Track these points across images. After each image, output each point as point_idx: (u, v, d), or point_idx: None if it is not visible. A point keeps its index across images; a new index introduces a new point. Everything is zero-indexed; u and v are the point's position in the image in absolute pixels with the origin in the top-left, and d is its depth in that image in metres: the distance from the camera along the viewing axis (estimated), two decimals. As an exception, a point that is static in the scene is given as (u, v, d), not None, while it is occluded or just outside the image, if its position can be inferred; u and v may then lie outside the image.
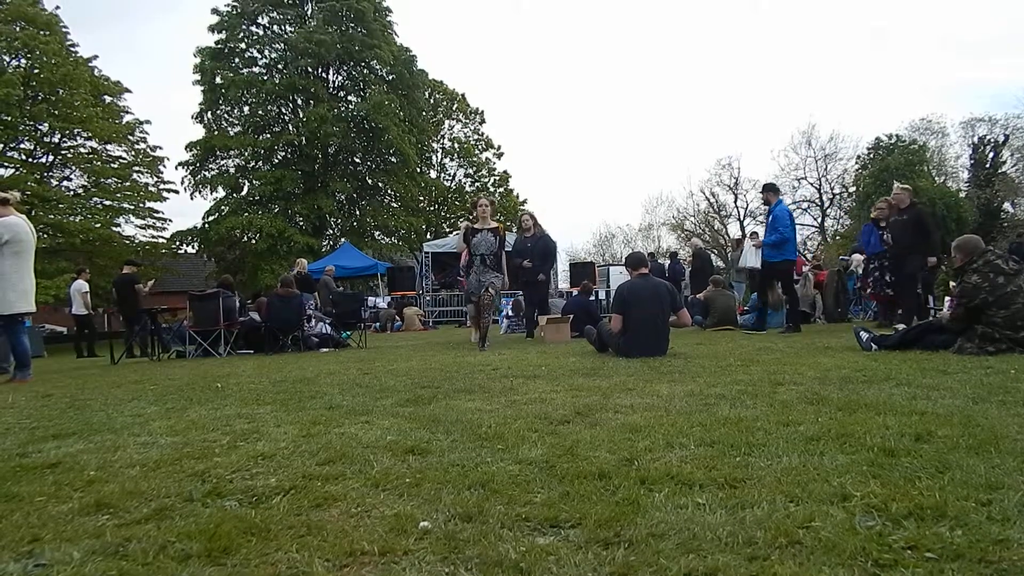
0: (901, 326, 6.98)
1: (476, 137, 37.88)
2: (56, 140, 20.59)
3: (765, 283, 8.42)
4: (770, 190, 8.29)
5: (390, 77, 27.72)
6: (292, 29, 26.41)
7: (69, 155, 20.95)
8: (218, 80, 25.83)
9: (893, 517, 1.29)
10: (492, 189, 37.47)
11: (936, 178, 30.94)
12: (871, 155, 31.73)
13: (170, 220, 23.16)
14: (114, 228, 21.23)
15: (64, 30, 20.27)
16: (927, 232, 7.47)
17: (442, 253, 20.33)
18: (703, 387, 3.17)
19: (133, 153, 22.10)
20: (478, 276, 7.13)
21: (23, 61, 19.32)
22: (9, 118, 18.59)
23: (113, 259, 18.88)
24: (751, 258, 8.65)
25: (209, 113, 26.71)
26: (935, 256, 7.54)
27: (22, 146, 20.39)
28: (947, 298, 4.76)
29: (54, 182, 20.83)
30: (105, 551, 1.32)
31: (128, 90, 21.89)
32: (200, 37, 54.09)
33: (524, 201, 39.88)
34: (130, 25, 63.20)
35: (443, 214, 35.65)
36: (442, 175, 37.15)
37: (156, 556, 1.28)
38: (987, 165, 30.42)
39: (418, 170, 30.03)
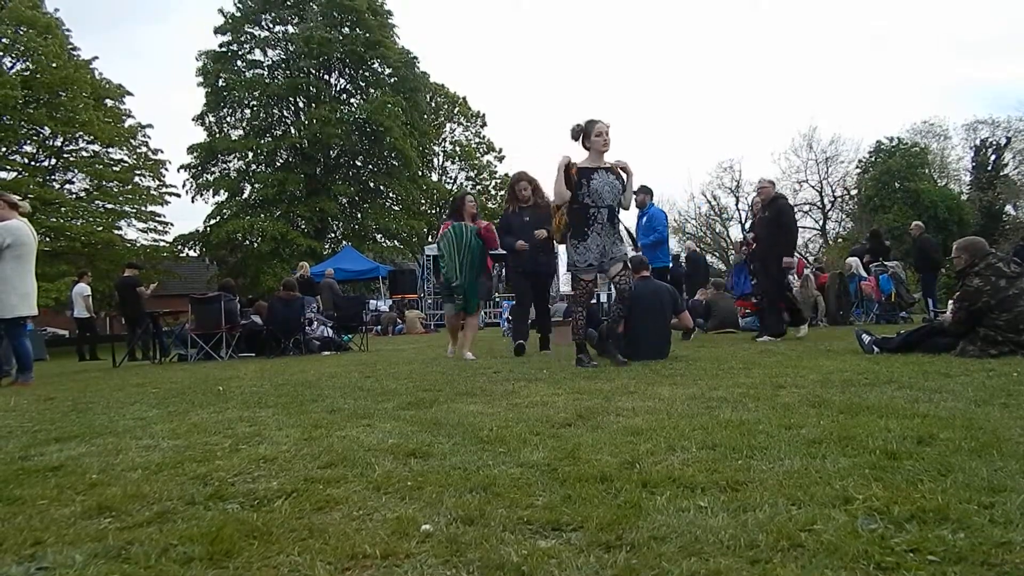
0: (804, 329, 6.91)
1: (477, 140, 37.95)
2: (58, 144, 20.63)
3: None
4: (644, 191, 8.05)
5: (392, 80, 27.75)
6: (294, 31, 26.45)
7: (71, 158, 20.99)
8: (220, 82, 25.90)
9: (895, 520, 1.29)
10: (493, 192, 37.51)
11: (938, 181, 30.92)
12: (872, 158, 31.72)
13: (171, 224, 23.20)
14: (116, 231, 21.25)
15: (66, 33, 20.35)
16: (787, 228, 6.96)
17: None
18: (705, 390, 3.17)
19: (135, 156, 22.14)
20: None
21: (24, 64, 19.38)
22: (10, 121, 18.65)
23: (115, 262, 18.90)
24: None
25: (211, 115, 26.77)
26: (790, 256, 7.02)
27: (24, 149, 20.44)
28: (950, 302, 4.71)
29: (56, 185, 20.86)
30: (107, 554, 1.32)
31: (129, 93, 21.94)
32: (200, 39, 54.34)
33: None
34: (130, 27, 63.43)
35: (444, 217, 35.66)
36: (443, 178, 37.19)
37: (158, 559, 1.28)
38: (989, 168, 30.41)
39: (420, 173, 30.05)
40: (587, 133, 4.73)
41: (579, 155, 4.80)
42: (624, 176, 4.81)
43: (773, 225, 6.94)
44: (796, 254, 15.82)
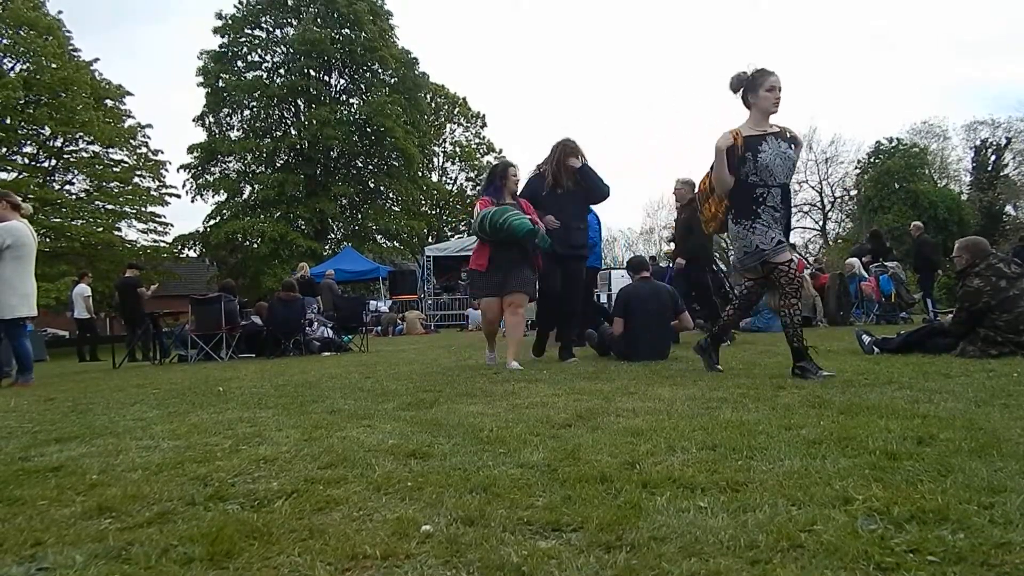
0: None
1: (477, 141, 38.00)
2: (58, 144, 20.65)
3: (589, 288, 7.75)
4: None
5: (392, 80, 27.77)
6: (294, 32, 26.46)
7: (71, 159, 21.01)
8: (221, 83, 25.92)
9: (895, 520, 1.29)
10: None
11: (938, 181, 30.93)
12: (871, 159, 31.73)
13: (171, 224, 23.22)
14: (116, 232, 21.27)
15: (67, 34, 20.37)
16: (698, 233, 6.31)
17: (444, 257, 20.37)
18: (705, 391, 3.17)
19: (135, 157, 22.16)
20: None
21: (24, 65, 19.40)
22: (11, 122, 18.67)
23: (115, 263, 18.91)
24: None
25: (211, 116, 26.79)
26: (684, 259, 6.76)
27: (25, 150, 20.46)
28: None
29: (56, 186, 20.89)
30: (107, 554, 1.32)
31: (130, 93, 21.97)
32: (201, 39, 54.37)
33: (525, 205, 39.93)
34: (130, 27, 63.47)
35: (445, 217, 35.71)
36: (443, 179, 37.22)
37: (158, 559, 1.28)
38: (989, 168, 30.41)
39: (420, 173, 30.07)
40: (753, 85, 3.63)
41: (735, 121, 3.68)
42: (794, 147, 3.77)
43: (685, 229, 6.66)
44: (796, 255, 15.86)
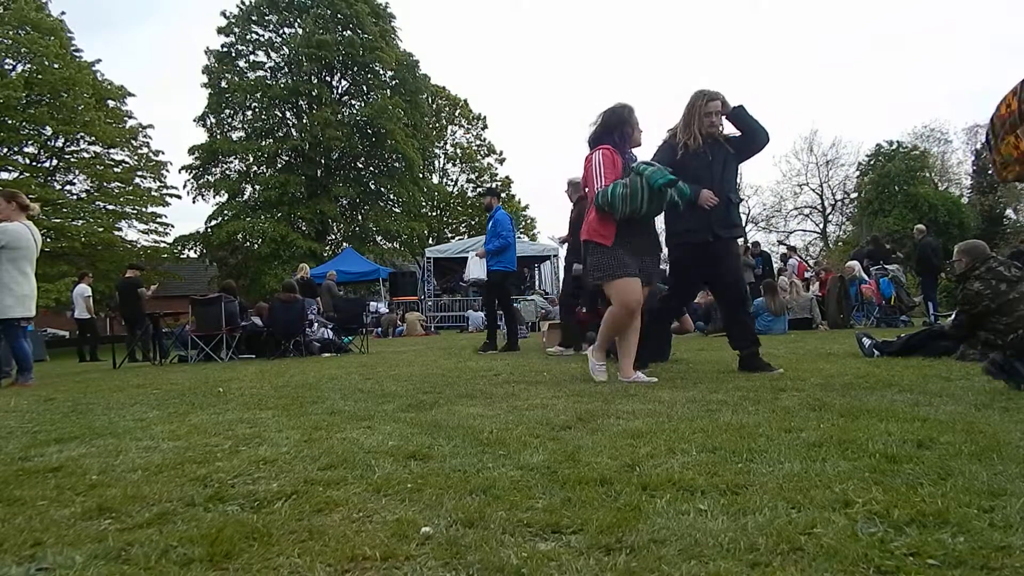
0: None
1: (478, 143, 38.03)
2: (60, 144, 20.70)
3: (491, 295, 7.71)
4: (491, 194, 7.76)
5: (393, 82, 27.80)
6: (299, 32, 26.49)
7: (73, 159, 21.05)
8: (223, 84, 25.96)
9: (895, 523, 1.29)
10: (494, 194, 37.42)
11: (939, 184, 30.93)
12: (872, 161, 31.76)
13: (172, 225, 23.25)
14: (116, 232, 21.31)
15: (69, 35, 20.42)
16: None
17: (444, 258, 20.38)
18: (705, 393, 3.17)
19: (136, 157, 22.19)
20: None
21: (26, 65, 19.43)
22: (13, 122, 18.70)
23: (115, 263, 18.96)
24: (476, 270, 8.19)
25: (212, 117, 26.82)
26: (574, 258, 6.29)
27: (26, 150, 20.50)
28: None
29: (57, 186, 20.93)
30: (107, 555, 1.32)
31: (131, 94, 22.03)
32: (202, 39, 54.40)
33: (527, 207, 40.01)
34: (130, 28, 63.53)
35: (445, 219, 35.73)
36: (444, 180, 37.24)
37: (158, 560, 1.28)
38: (990, 171, 30.37)
39: (421, 175, 30.09)
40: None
41: None
42: None
43: (576, 228, 6.01)
44: (796, 257, 15.84)
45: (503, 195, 36.73)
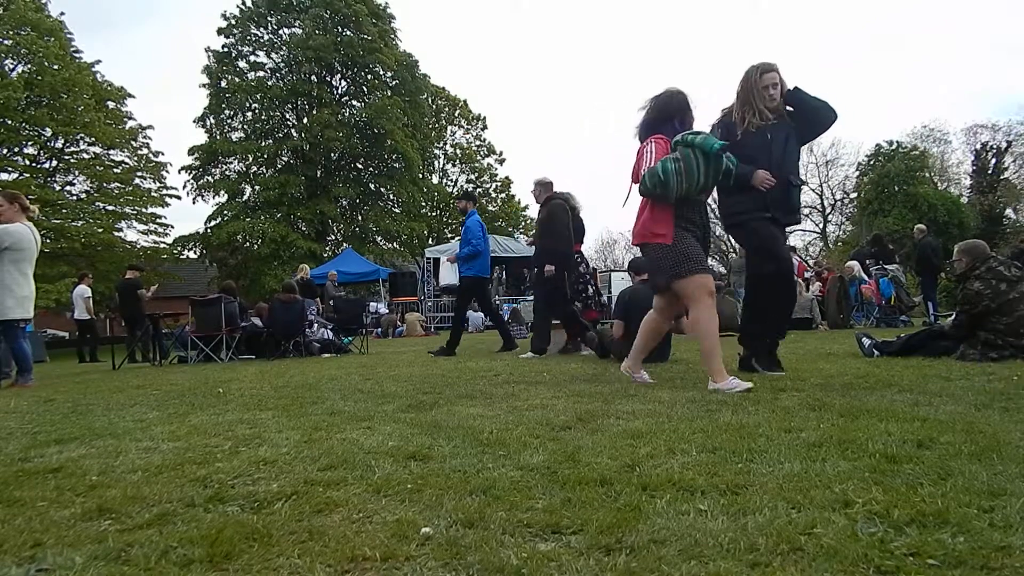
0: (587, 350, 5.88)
1: (478, 143, 38.03)
2: (59, 145, 20.69)
3: (462, 300, 7.64)
4: (467, 198, 7.61)
5: (393, 82, 27.81)
6: (299, 32, 26.50)
7: (72, 160, 21.05)
8: (223, 84, 25.96)
9: (895, 524, 1.29)
10: (494, 195, 37.52)
11: (938, 184, 30.94)
12: (871, 162, 31.77)
13: (172, 226, 23.25)
14: (116, 233, 21.30)
15: (69, 36, 20.41)
16: (556, 235, 6.20)
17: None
18: (705, 393, 3.17)
19: (136, 158, 22.20)
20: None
21: (26, 66, 19.43)
22: (12, 123, 18.70)
23: (115, 264, 18.96)
24: (447, 275, 8.07)
25: (212, 117, 26.82)
26: (553, 263, 6.19)
27: (26, 151, 20.50)
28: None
29: (57, 187, 20.92)
30: (107, 556, 1.32)
31: (131, 95, 22.02)
32: (200, 41, 54.32)
33: (526, 207, 39.98)
34: (130, 28, 63.53)
35: (445, 219, 35.72)
36: (444, 181, 37.24)
37: (158, 561, 1.28)
38: (989, 171, 30.42)
39: (420, 175, 30.09)
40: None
41: None
42: None
43: (545, 229, 6.28)
44: (796, 257, 15.85)
45: (497, 196, 36.73)
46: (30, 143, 20.22)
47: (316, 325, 9.32)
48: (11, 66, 19.39)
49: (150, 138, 22.46)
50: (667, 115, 3.55)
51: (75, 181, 21.62)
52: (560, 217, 6.30)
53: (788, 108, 3.89)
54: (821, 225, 35.47)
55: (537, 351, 6.27)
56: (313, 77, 26.81)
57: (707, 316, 3.37)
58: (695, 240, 3.44)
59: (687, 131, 3.41)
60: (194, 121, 26.87)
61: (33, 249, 5.71)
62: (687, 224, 3.44)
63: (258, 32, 27.26)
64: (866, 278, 10.95)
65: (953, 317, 4.73)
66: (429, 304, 20.38)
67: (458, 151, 37.42)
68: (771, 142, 3.80)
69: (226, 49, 26.62)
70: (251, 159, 26.64)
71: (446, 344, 7.19)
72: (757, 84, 3.81)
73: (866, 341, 4.96)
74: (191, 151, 26.38)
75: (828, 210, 35.26)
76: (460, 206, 7.78)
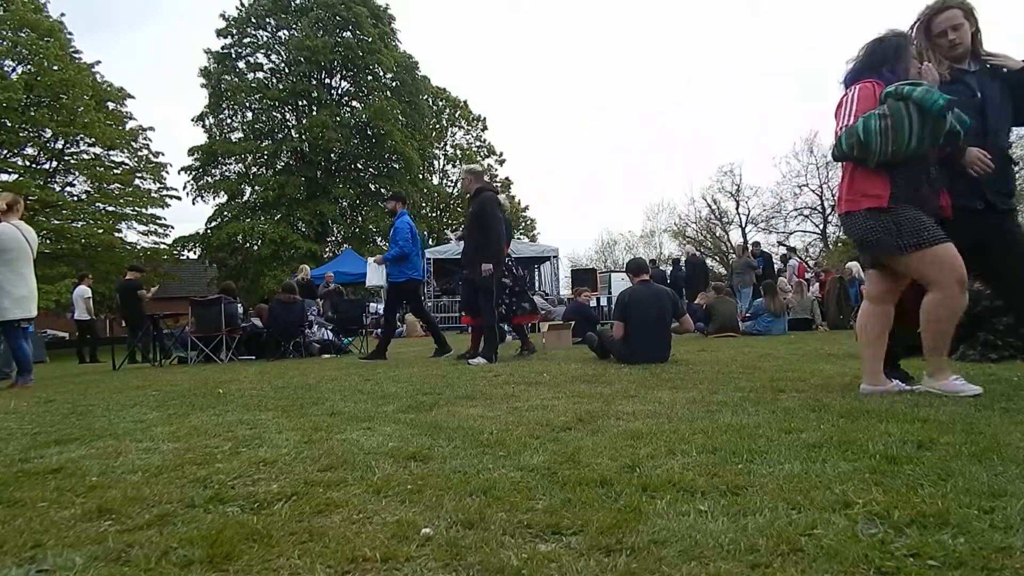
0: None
1: (478, 144, 38.09)
2: (59, 146, 20.70)
3: (392, 302, 7.37)
4: (396, 199, 7.41)
5: (393, 84, 27.83)
6: (297, 34, 26.52)
7: (72, 161, 21.06)
8: (222, 85, 25.98)
9: (895, 524, 1.29)
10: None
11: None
12: (872, 162, 31.71)
13: (171, 227, 23.26)
14: (116, 234, 21.31)
15: (68, 36, 20.42)
16: (486, 228, 5.73)
17: (443, 259, 20.36)
18: (705, 394, 3.17)
19: (136, 159, 22.21)
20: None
21: (26, 67, 19.44)
22: (11, 124, 18.71)
23: (115, 264, 18.97)
24: (375, 276, 7.88)
25: (211, 117, 26.84)
26: (490, 261, 5.71)
27: (26, 152, 20.51)
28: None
29: (57, 188, 20.93)
30: (107, 557, 1.32)
31: (131, 96, 22.04)
32: (200, 41, 54.40)
33: (526, 207, 40.04)
34: (131, 29, 63.58)
35: (445, 220, 35.74)
36: (444, 181, 37.26)
37: (158, 562, 1.28)
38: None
39: (420, 176, 30.10)
40: None
41: None
42: None
43: (475, 223, 5.85)
44: (796, 258, 15.85)
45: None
46: (30, 144, 20.25)
47: (316, 325, 9.32)
48: (11, 67, 19.40)
49: (150, 139, 22.54)
50: (877, 62, 2.88)
51: (75, 182, 21.67)
52: (493, 211, 5.80)
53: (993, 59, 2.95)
54: (821, 226, 35.46)
55: (486, 357, 5.82)
56: (312, 79, 26.82)
57: (951, 295, 2.66)
58: (919, 203, 2.73)
59: (908, 81, 2.72)
60: (192, 120, 26.94)
61: (25, 248, 5.62)
62: (908, 187, 2.73)
63: (257, 34, 27.27)
64: (866, 279, 10.95)
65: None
66: (429, 305, 20.38)
67: (458, 152, 37.46)
68: (984, 100, 2.88)
69: (225, 50, 26.64)
70: (251, 160, 26.67)
71: (377, 348, 7.03)
72: (927, 32, 2.99)
73: (866, 342, 4.95)
74: (191, 152, 26.43)
75: (828, 211, 35.23)
76: (389, 207, 7.45)
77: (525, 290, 6.62)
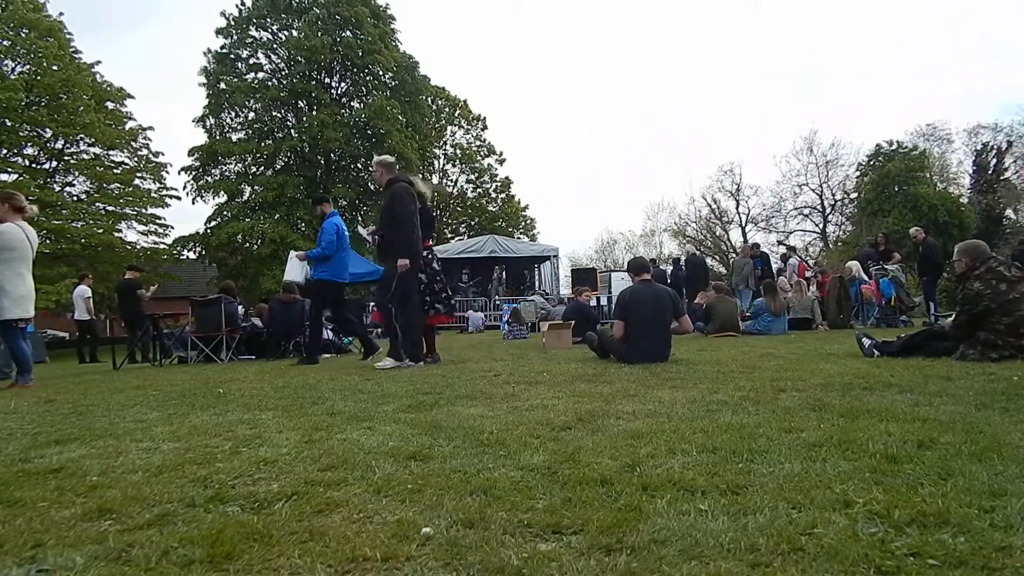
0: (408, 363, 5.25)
1: (478, 143, 38.08)
2: (59, 146, 20.70)
3: (317, 302, 6.95)
4: (320, 201, 7.29)
5: (393, 83, 27.83)
6: (297, 35, 26.51)
7: (72, 161, 21.06)
8: (222, 85, 25.97)
9: (895, 524, 1.29)
10: (494, 195, 37.55)
11: (939, 184, 30.93)
12: (871, 162, 31.77)
13: (171, 227, 23.25)
14: (116, 234, 21.31)
15: (68, 36, 20.41)
16: (399, 220, 5.46)
17: (444, 259, 20.35)
18: (705, 393, 3.17)
19: (136, 159, 22.21)
20: None
21: (25, 67, 19.44)
22: (12, 124, 18.71)
23: (115, 264, 18.97)
24: (293, 271, 7.64)
25: (212, 118, 26.83)
26: (407, 256, 5.45)
27: (26, 152, 20.51)
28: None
29: (57, 187, 20.93)
30: (107, 556, 1.32)
31: (131, 96, 22.04)
32: (200, 41, 54.39)
33: (526, 207, 40.02)
34: (129, 30, 63.57)
35: (445, 220, 35.74)
36: (444, 181, 37.26)
37: (158, 561, 1.28)
38: (990, 171, 30.40)
39: (420, 176, 30.07)
40: None
41: None
42: None
43: (387, 217, 5.56)
44: (797, 257, 15.84)
45: (497, 196, 36.69)
46: (30, 144, 20.24)
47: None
48: (10, 67, 19.40)
49: (150, 139, 22.54)
50: None
51: (75, 182, 21.67)
52: (405, 203, 5.52)
53: None
54: (821, 225, 35.46)
55: (414, 358, 5.61)
56: (312, 79, 26.81)
57: None
58: None
59: None
60: (193, 121, 26.91)
61: (27, 249, 5.62)
62: None
63: (257, 34, 27.27)
64: (866, 278, 10.95)
65: (953, 317, 4.72)
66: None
67: (458, 151, 37.46)
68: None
69: (225, 50, 26.63)
70: (250, 159, 26.64)
71: (307, 352, 6.89)
72: None
73: (866, 341, 4.96)
74: (191, 152, 26.40)
75: (828, 210, 35.25)
76: (318, 210, 7.21)
77: (446, 288, 6.23)
